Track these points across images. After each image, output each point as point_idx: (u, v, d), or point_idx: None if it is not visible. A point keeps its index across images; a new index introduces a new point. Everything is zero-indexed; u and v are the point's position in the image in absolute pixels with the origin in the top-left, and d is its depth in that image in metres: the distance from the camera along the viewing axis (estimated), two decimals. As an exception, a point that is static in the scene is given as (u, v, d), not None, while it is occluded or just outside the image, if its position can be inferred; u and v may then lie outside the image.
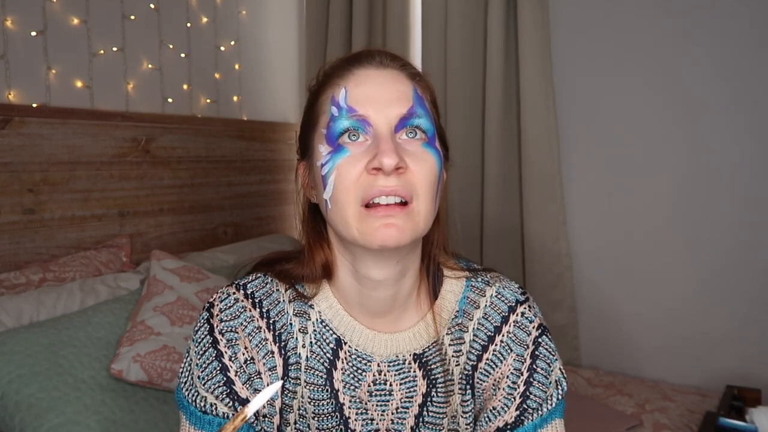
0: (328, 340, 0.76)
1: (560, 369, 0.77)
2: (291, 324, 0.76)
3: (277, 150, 2.44)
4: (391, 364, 0.76)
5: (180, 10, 2.09)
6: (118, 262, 1.71)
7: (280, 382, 0.57)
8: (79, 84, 1.76)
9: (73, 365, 1.29)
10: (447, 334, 0.78)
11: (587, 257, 2.07)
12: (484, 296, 0.78)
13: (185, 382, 0.74)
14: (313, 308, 0.77)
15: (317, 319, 0.76)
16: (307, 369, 0.75)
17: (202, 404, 0.71)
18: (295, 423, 0.76)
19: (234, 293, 0.76)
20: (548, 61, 1.98)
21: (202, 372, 0.72)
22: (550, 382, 0.75)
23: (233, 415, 0.71)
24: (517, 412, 0.74)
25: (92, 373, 1.31)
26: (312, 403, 0.75)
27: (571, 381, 1.86)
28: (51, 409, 1.19)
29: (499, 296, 0.78)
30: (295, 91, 2.61)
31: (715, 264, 1.86)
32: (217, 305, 0.75)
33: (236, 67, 2.32)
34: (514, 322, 0.77)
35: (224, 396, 0.71)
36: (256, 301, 0.75)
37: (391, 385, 0.76)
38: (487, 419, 0.75)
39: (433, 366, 0.77)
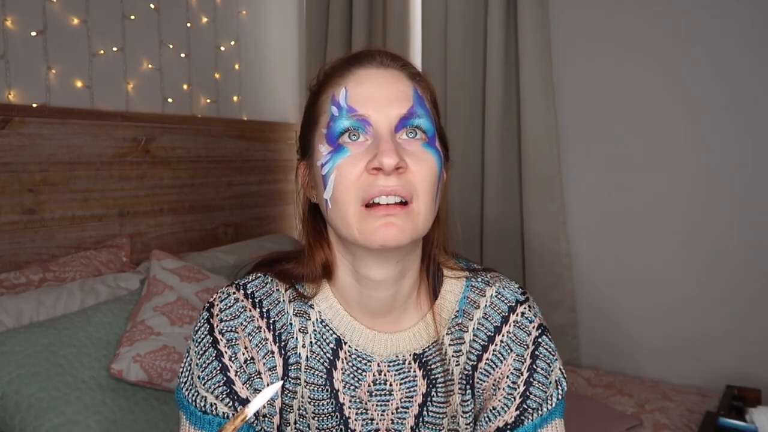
0: (328, 340, 0.76)
1: (560, 369, 0.77)
2: (291, 324, 0.76)
3: (277, 150, 2.44)
4: (391, 364, 0.76)
5: (180, 10, 2.09)
6: (118, 262, 1.71)
7: (281, 383, 0.57)
8: (79, 84, 1.76)
9: (73, 365, 1.29)
10: (447, 334, 0.78)
11: (587, 257, 2.07)
12: (484, 296, 0.78)
13: (185, 382, 0.74)
14: (313, 308, 0.77)
15: (317, 319, 0.76)
16: (307, 369, 0.75)
17: (202, 404, 0.71)
18: (295, 423, 0.76)
19: (234, 293, 0.76)
20: (548, 61, 1.98)
21: (202, 372, 0.72)
22: (550, 382, 0.75)
23: (233, 415, 0.71)
24: (517, 412, 0.74)
25: (92, 373, 1.31)
26: (312, 403, 0.75)
27: (571, 381, 1.86)
28: (51, 409, 1.19)
29: (499, 296, 0.78)
30: (295, 91, 2.61)
31: (715, 264, 1.86)
32: (217, 305, 0.75)
33: (236, 67, 2.32)
34: (514, 322, 0.77)
35: (224, 396, 0.71)
36: (256, 301, 0.75)
37: (391, 385, 0.76)
38: (487, 419, 0.75)
39: (433, 366, 0.77)
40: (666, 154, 1.92)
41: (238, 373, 0.72)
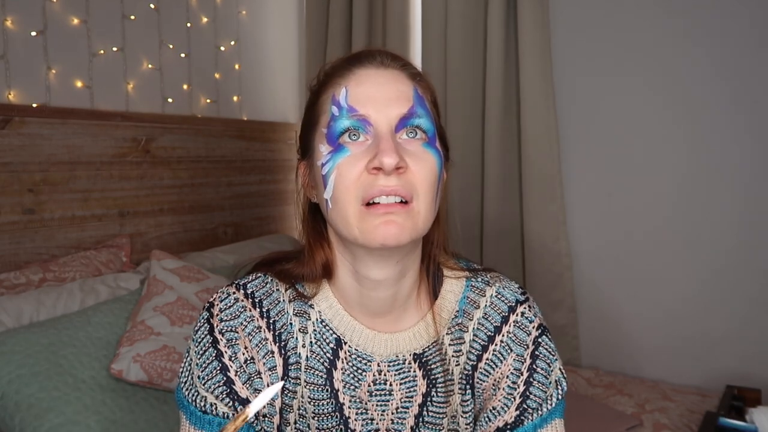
0: (328, 340, 0.76)
1: (560, 369, 0.77)
2: (291, 324, 0.76)
3: (277, 150, 2.44)
4: (391, 364, 0.76)
5: (180, 10, 2.09)
6: (118, 262, 1.71)
7: (282, 383, 0.57)
8: (79, 84, 1.76)
9: (73, 365, 1.29)
10: (447, 333, 0.78)
11: (587, 257, 2.07)
12: (484, 296, 0.78)
13: (185, 382, 0.74)
14: (313, 308, 0.77)
15: (317, 319, 0.76)
16: (307, 369, 0.75)
17: (202, 404, 0.71)
18: (295, 423, 0.76)
19: (234, 293, 0.76)
20: (548, 61, 1.98)
21: (202, 372, 0.72)
22: (550, 382, 0.75)
23: (233, 414, 0.71)
24: (517, 412, 0.74)
25: (92, 373, 1.31)
26: (312, 403, 0.75)
27: (571, 381, 1.86)
28: (51, 409, 1.19)
29: (499, 296, 0.78)
30: (295, 91, 2.61)
31: (715, 264, 1.86)
32: (217, 305, 0.75)
33: (236, 67, 2.32)
34: (514, 322, 0.77)
35: (224, 396, 0.71)
36: (256, 300, 0.75)
37: (391, 384, 0.76)
38: (487, 419, 0.75)
39: (433, 366, 0.77)
40: (666, 154, 1.92)
41: (238, 373, 0.72)
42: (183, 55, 2.09)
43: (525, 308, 0.78)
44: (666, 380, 1.93)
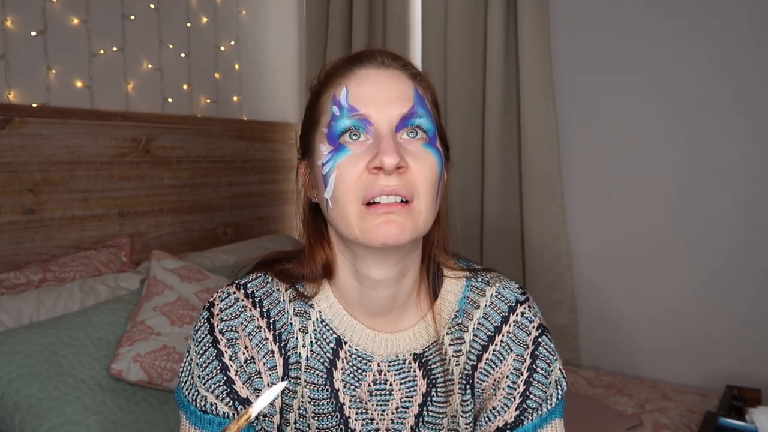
0: (328, 340, 0.76)
1: (560, 369, 0.77)
2: (291, 323, 0.76)
3: (277, 150, 2.44)
4: (391, 364, 0.76)
5: (180, 10, 2.09)
6: (118, 262, 1.71)
7: (284, 383, 0.57)
8: (79, 84, 1.76)
9: (73, 365, 1.29)
10: (447, 333, 0.78)
11: (587, 257, 2.07)
12: (484, 296, 0.78)
13: (185, 382, 0.74)
14: (313, 308, 0.77)
15: (317, 319, 0.76)
16: (307, 368, 0.75)
17: (203, 404, 0.71)
18: (295, 422, 0.76)
19: (234, 293, 0.76)
20: (548, 61, 1.98)
21: (202, 371, 0.72)
22: (550, 382, 0.75)
23: (233, 414, 0.71)
24: (517, 412, 0.74)
25: (92, 373, 1.31)
26: (312, 403, 0.75)
27: (571, 381, 1.86)
28: (51, 409, 1.19)
29: (499, 296, 0.78)
30: (295, 91, 2.61)
31: (715, 264, 1.86)
32: (218, 305, 0.75)
33: (236, 67, 2.32)
34: (514, 322, 0.77)
35: (224, 395, 0.71)
36: (257, 300, 0.75)
37: (391, 384, 0.76)
38: (486, 419, 0.75)
39: (433, 366, 0.77)
40: (666, 154, 1.92)
41: (239, 373, 0.72)
42: (183, 55, 2.09)
43: (525, 308, 0.78)
44: (666, 380, 1.93)
